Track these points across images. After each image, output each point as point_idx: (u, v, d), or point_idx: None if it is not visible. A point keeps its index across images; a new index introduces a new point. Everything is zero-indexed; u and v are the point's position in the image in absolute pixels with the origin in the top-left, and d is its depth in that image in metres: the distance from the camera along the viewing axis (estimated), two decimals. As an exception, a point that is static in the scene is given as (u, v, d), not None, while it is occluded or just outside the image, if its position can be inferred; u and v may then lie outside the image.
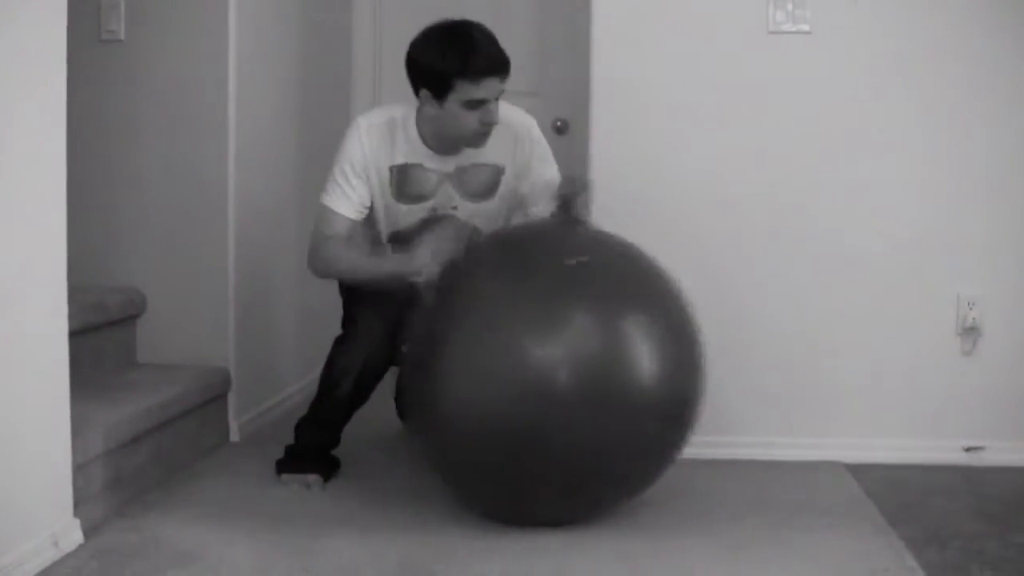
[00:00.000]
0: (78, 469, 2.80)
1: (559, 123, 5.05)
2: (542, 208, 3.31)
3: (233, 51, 3.76)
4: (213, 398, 3.73)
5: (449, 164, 3.32)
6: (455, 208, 3.35)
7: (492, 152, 3.33)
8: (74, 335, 2.82)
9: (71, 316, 2.77)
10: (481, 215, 3.37)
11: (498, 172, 3.35)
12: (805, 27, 3.67)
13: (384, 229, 3.39)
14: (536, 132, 3.41)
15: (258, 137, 4.03)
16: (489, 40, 3.17)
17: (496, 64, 3.13)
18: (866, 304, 3.73)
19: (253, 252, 3.96)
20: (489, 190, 3.36)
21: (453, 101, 3.15)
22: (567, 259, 2.85)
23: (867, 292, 3.73)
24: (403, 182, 3.30)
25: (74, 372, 2.78)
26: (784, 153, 3.71)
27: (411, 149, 3.29)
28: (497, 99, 3.18)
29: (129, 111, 3.78)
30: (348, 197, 3.29)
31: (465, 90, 3.13)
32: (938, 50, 3.68)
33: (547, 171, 3.39)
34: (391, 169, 3.29)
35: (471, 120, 3.18)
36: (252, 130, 3.94)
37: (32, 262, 2.58)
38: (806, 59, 3.69)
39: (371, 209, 3.35)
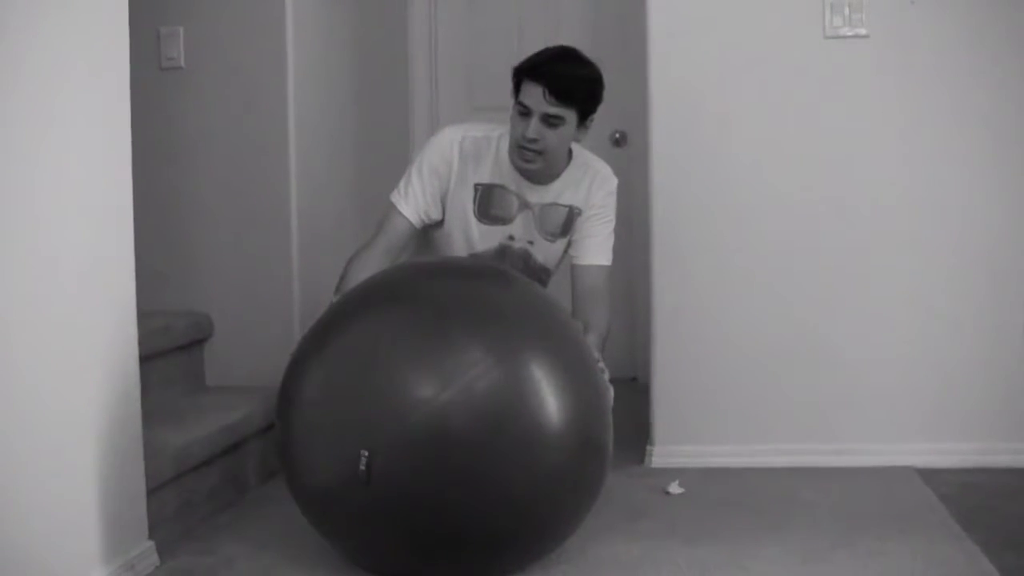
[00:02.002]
0: (151, 493, 2.83)
1: (617, 135, 5.05)
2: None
3: (292, 75, 3.80)
4: (281, 419, 3.74)
5: (532, 194, 3.26)
6: (532, 243, 3.31)
7: (572, 194, 3.29)
8: (143, 360, 2.85)
9: (140, 341, 2.80)
10: (552, 255, 3.35)
11: (574, 213, 3.31)
12: (862, 31, 3.65)
13: (460, 250, 3.30)
14: (614, 187, 3.35)
15: (318, 159, 4.06)
16: (563, 58, 3.13)
17: (548, 75, 3.06)
18: (935, 308, 3.70)
19: (316, 273, 3.98)
20: (563, 231, 3.32)
21: (515, 104, 3.13)
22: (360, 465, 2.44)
23: (936, 296, 3.70)
24: (486, 201, 3.25)
25: (144, 397, 2.81)
26: (844, 158, 3.70)
27: (499, 169, 3.24)
28: (546, 121, 3.09)
29: (192, 137, 3.83)
30: (418, 200, 3.23)
31: (522, 91, 3.10)
32: (999, 51, 3.64)
33: (602, 231, 3.34)
34: (476, 187, 3.24)
35: (518, 128, 3.12)
36: (312, 152, 3.97)
37: (101, 288, 2.61)
38: (864, 63, 3.68)
39: (443, 229, 3.29)
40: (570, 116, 3.10)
